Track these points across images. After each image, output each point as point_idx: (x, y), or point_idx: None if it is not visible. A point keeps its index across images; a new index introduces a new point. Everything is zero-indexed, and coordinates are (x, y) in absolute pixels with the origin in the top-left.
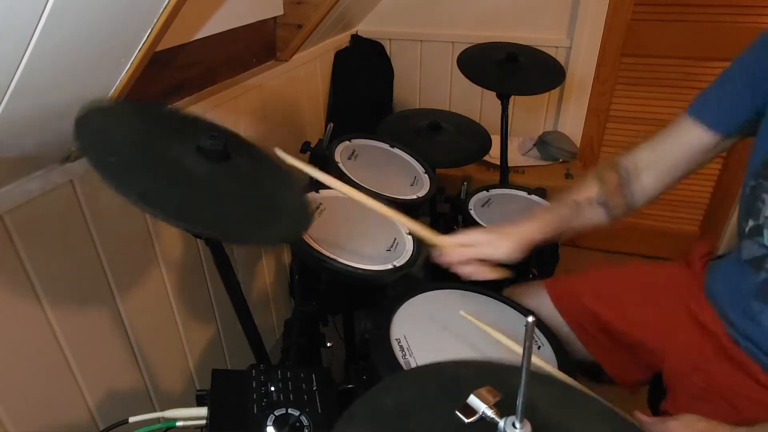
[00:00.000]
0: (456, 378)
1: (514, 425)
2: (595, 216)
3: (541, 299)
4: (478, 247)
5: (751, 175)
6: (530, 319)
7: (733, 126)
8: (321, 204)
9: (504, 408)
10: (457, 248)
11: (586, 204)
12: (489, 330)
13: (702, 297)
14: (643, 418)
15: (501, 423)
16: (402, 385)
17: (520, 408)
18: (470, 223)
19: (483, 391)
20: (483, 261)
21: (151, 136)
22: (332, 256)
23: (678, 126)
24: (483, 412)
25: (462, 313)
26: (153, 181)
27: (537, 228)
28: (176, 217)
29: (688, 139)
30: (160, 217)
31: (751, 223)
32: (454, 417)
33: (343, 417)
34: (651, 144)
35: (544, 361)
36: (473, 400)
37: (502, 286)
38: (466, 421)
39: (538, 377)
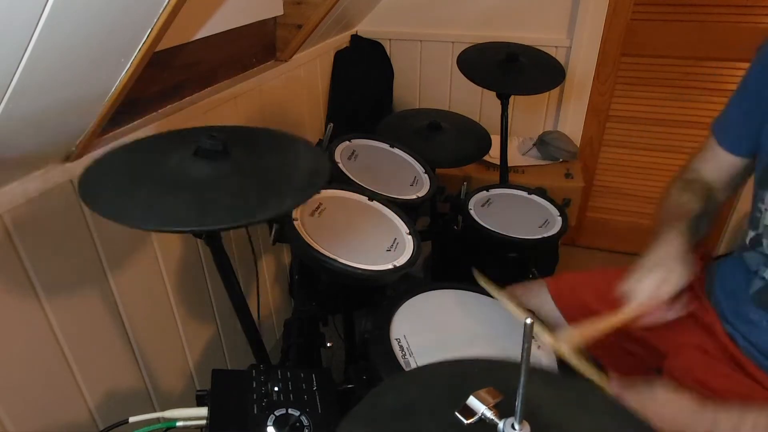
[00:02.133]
0: (457, 377)
1: (513, 426)
2: (702, 229)
3: (542, 298)
4: (660, 292)
5: (756, 185)
6: (528, 320)
7: (753, 147)
8: (321, 204)
9: (504, 409)
10: (644, 306)
11: (696, 218)
12: (500, 297)
13: (702, 297)
14: (617, 384)
15: (500, 424)
16: (402, 386)
17: (518, 409)
18: (470, 223)
19: (483, 392)
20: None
21: (148, 155)
22: (332, 256)
23: (710, 149)
24: (482, 414)
25: (475, 272)
26: (153, 200)
27: (684, 243)
28: (183, 225)
29: (719, 162)
30: (167, 231)
31: (751, 233)
32: (454, 418)
33: (346, 418)
34: (695, 166)
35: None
36: (473, 401)
37: (500, 283)
38: (466, 422)
39: (539, 379)
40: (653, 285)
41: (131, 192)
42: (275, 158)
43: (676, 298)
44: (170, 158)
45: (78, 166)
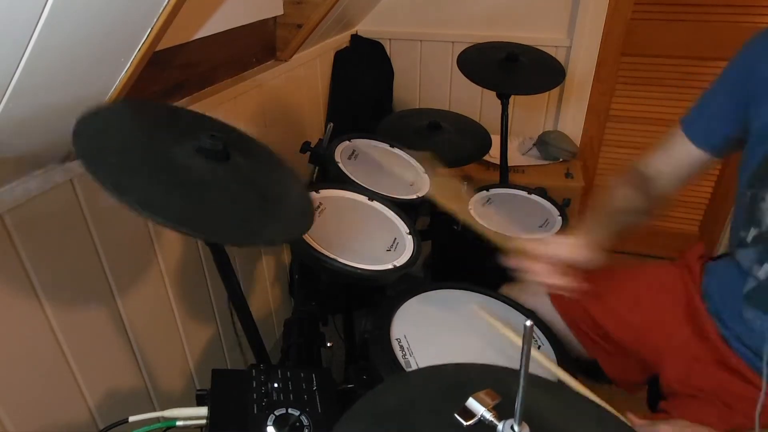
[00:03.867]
0: (456, 381)
1: (512, 428)
2: (632, 220)
3: (540, 298)
4: (547, 247)
5: (745, 184)
6: (528, 323)
7: (720, 144)
8: (321, 204)
9: (503, 411)
10: (529, 249)
11: (625, 211)
12: (500, 327)
13: (698, 298)
14: (635, 420)
15: (500, 426)
16: (402, 386)
17: (518, 411)
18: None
19: (482, 394)
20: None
21: (151, 137)
22: (332, 256)
23: (673, 140)
24: (482, 415)
25: (475, 307)
26: (153, 186)
27: (598, 232)
28: (178, 223)
29: (681, 154)
30: (161, 223)
31: (754, 231)
32: (453, 420)
33: (343, 418)
34: (656, 154)
35: (546, 358)
36: (472, 402)
37: (500, 283)
38: (465, 424)
39: (538, 381)
40: (545, 243)
41: (133, 172)
42: (271, 175)
43: (561, 269)
44: (173, 146)
45: (78, 166)
